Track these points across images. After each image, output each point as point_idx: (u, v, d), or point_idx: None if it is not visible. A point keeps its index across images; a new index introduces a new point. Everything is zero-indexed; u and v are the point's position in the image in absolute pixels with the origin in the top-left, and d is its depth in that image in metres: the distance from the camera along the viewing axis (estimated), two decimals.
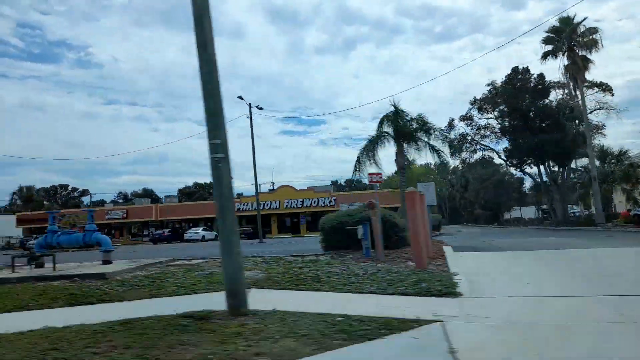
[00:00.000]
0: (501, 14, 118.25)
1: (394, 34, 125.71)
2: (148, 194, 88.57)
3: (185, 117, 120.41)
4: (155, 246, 36.96)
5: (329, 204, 51.76)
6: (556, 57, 31.64)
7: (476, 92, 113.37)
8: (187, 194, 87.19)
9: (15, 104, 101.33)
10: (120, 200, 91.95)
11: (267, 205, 53.84)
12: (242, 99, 32.09)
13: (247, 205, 54.58)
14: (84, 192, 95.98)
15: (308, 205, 52.61)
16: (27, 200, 59.97)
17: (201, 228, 49.14)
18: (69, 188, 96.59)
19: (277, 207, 53.61)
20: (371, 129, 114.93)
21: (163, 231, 48.28)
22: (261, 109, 33.40)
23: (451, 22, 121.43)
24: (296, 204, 52.93)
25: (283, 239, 38.74)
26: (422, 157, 50.79)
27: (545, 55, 32.47)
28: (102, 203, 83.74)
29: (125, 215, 55.75)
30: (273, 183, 70.86)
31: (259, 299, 5.61)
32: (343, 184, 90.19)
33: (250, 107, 32.83)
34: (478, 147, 40.79)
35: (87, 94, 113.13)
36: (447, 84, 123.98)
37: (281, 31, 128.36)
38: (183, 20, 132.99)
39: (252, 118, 32.70)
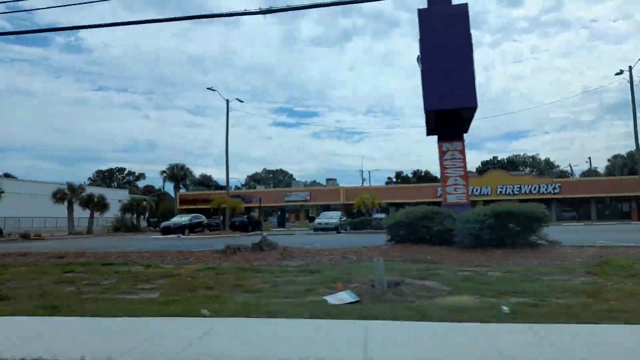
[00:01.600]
0: (498, 10, 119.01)
1: (390, 26, 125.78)
2: (207, 181, 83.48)
3: (175, 105, 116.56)
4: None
5: (552, 191, 48.31)
6: None
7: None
8: (257, 180, 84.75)
9: (2, 88, 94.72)
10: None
11: (476, 190, 49.77)
12: None
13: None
14: (139, 177, 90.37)
15: (526, 192, 48.79)
16: (181, 179, 54.05)
17: None
18: (125, 172, 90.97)
19: (488, 193, 49.19)
20: (364, 123, 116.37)
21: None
22: None
23: None
24: (511, 191, 49.04)
25: None
26: None
27: None
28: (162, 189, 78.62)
29: (308, 197, 50.90)
30: (362, 171, 67.89)
31: None
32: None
33: None
34: None
35: (76, 80, 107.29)
36: None
37: (276, 21, 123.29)
38: (175, 6, 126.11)
39: None
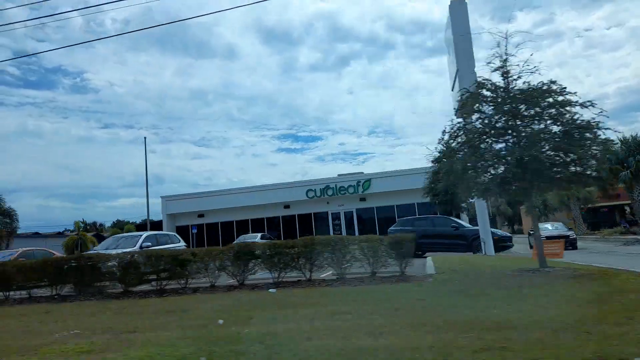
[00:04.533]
0: (491, 26, 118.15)
1: (386, 49, 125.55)
2: None
3: (180, 138, 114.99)
4: None
5: None
6: None
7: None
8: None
9: (11, 131, 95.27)
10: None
11: None
12: None
13: None
14: None
15: None
16: None
17: None
18: None
19: None
20: (367, 144, 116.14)
21: None
22: None
23: (442, 37, 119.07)
24: None
25: None
26: None
27: None
28: None
29: None
30: None
31: None
32: None
33: None
34: None
35: (83, 119, 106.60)
36: (441, 98, 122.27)
37: (274, 51, 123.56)
38: (178, 44, 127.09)
39: None
